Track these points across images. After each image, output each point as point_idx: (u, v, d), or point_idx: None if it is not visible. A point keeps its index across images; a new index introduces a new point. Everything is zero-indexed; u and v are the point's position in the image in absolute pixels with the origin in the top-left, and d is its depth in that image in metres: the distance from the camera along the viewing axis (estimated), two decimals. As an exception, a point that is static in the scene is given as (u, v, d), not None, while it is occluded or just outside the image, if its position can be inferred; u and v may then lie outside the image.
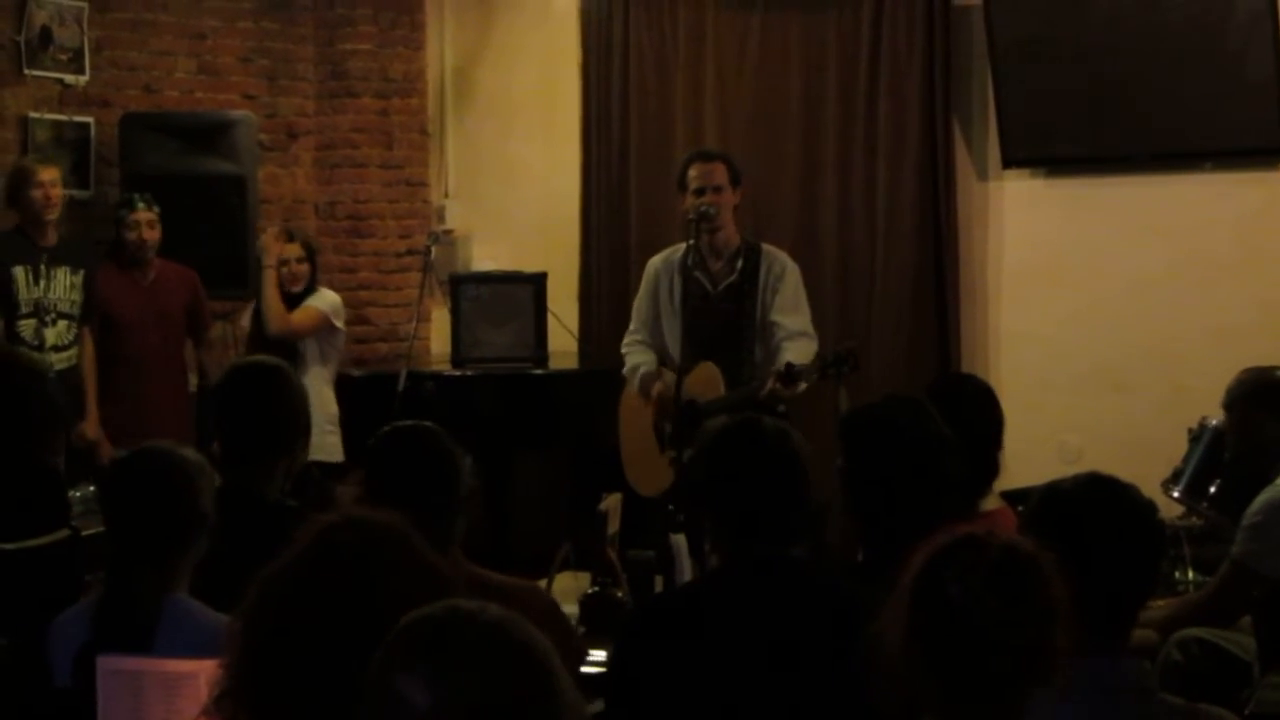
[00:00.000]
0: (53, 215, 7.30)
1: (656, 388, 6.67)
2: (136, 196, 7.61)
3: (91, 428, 7.33)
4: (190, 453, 3.67)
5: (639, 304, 6.98)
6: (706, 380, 6.53)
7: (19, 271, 7.18)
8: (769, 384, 6.24)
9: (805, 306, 6.74)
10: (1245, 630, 4.84)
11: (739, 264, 6.73)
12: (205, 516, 3.57)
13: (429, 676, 1.92)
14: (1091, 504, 2.95)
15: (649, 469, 6.74)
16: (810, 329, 6.68)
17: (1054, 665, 2.43)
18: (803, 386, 6.26)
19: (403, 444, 3.81)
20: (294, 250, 7.68)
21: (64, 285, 7.30)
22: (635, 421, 6.88)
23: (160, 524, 3.49)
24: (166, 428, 7.39)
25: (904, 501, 3.72)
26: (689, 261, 6.67)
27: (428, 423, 3.87)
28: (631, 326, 6.98)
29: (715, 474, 3.53)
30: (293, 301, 7.65)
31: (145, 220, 7.56)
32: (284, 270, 7.64)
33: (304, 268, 7.69)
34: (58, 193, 7.35)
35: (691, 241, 6.63)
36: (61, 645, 3.50)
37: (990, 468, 4.41)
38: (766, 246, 6.86)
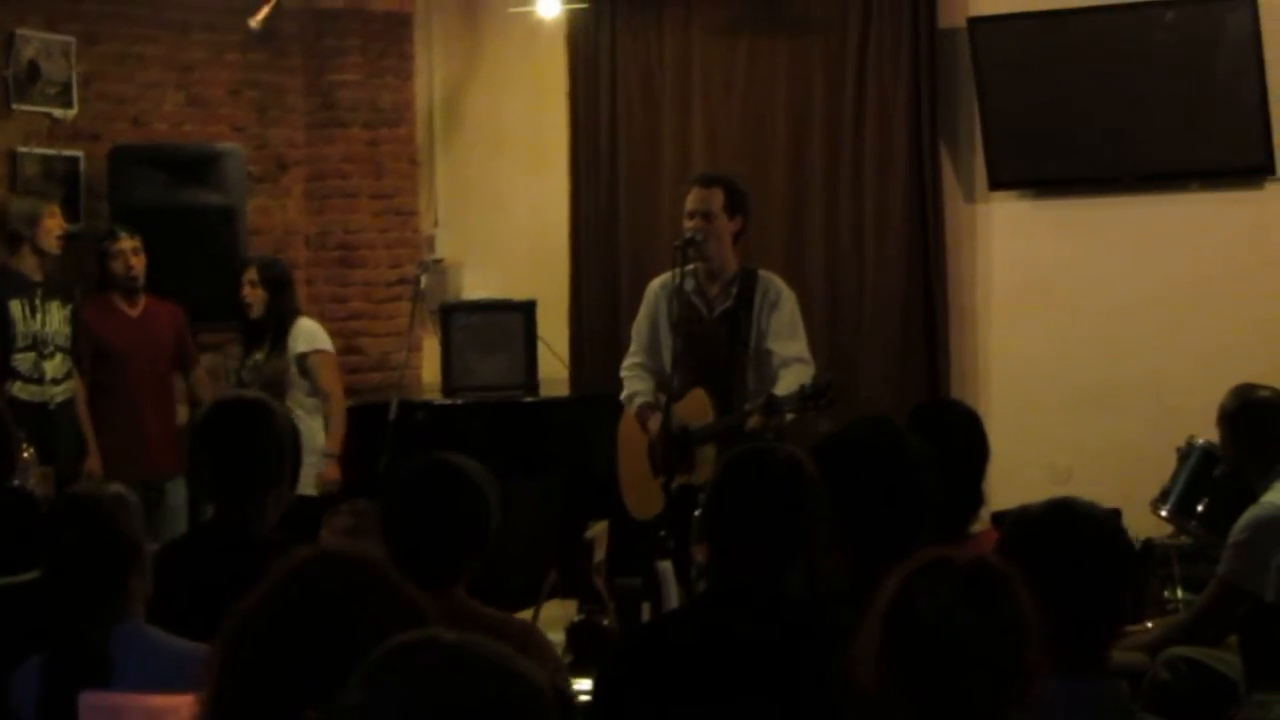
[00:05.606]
0: (58, 250, 7.32)
1: (652, 422, 6.66)
2: (116, 227, 7.63)
3: (94, 463, 7.32)
4: (114, 487, 3.80)
5: (639, 327, 6.96)
6: (698, 408, 6.55)
7: (15, 305, 7.17)
8: (752, 418, 6.29)
9: (801, 332, 6.72)
10: (1233, 649, 4.83)
11: (734, 290, 6.73)
12: (135, 546, 3.68)
13: (402, 698, 1.90)
14: (1055, 528, 2.97)
15: (643, 493, 6.74)
16: (806, 354, 6.65)
17: (1027, 683, 2.44)
18: (788, 417, 6.28)
19: (429, 480, 3.77)
20: (249, 274, 7.60)
21: (57, 319, 7.30)
22: (632, 446, 6.88)
23: (89, 561, 3.60)
24: (159, 458, 7.45)
25: (883, 523, 3.67)
26: (684, 286, 6.64)
27: (458, 457, 3.82)
28: (631, 349, 6.97)
29: (717, 503, 3.51)
30: (258, 328, 7.61)
31: (130, 247, 7.57)
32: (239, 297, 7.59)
33: (258, 292, 7.57)
34: (63, 228, 7.39)
35: (679, 267, 6.60)
36: (23, 691, 3.53)
37: (974, 496, 4.32)
38: (763, 272, 6.82)
